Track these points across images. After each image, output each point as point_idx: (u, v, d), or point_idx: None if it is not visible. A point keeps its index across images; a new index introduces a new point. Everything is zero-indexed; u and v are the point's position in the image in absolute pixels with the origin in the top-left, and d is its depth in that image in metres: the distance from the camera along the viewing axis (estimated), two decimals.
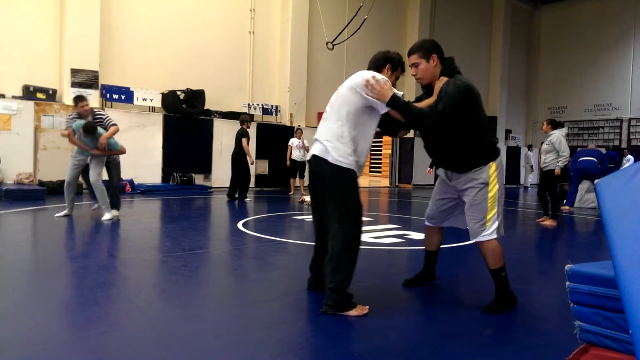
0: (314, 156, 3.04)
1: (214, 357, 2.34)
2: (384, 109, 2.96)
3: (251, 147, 13.36)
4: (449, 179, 3.27)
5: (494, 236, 3.05)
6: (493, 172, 3.05)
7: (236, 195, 10.05)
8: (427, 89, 3.20)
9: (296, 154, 11.50)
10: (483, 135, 3.07)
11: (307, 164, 3.17)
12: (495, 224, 3.05)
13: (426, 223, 3.60)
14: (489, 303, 3.12)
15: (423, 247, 3.78)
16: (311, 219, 7.34)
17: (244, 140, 9.79)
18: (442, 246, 3.80)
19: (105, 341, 2.46)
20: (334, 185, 2.97)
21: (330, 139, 2.97)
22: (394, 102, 2.89)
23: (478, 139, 3.05)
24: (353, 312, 2.91)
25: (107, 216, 6.44)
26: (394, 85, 3.16)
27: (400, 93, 2.99)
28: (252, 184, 13.50)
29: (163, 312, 2.98)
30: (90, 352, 2.33)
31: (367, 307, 2.99)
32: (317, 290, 3.35)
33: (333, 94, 3.15)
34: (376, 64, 3.17)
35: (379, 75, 2.98)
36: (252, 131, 13.42)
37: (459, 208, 3.36)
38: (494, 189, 3.04)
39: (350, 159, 2.95)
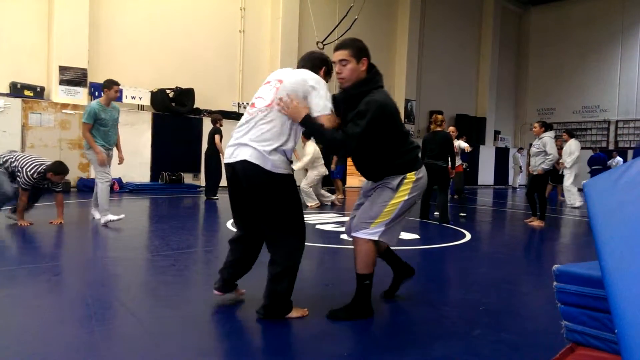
0: (244, 162, 2.68)
1: (203, 357, 2.33)
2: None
3: None
4: (368, 191, 3.10)
5: (374, 238, 2.84)
6: (408, 183, 2.87)
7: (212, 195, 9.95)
8: (346, 95, 2.94)
9: None
10: (399, 150, 2.91)
11: (229, 167, 2.81)
12: (381, 229, 2.84)
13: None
14: (340, 307, 2.91)
15: (411, 247, 3.78)
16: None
17: (217, 137, 9.71)
18: (431, 246, 3.81)
19: (93, 341, 2.43)
20: (274, 195, 2.72)
21: (264, 143, 2.69)
22: (306, 123, 2.71)
23: (393, 153, 2.90)
24: (294, 314, 2.82)
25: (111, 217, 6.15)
26: None
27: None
28: None
29: (151, 312, 2.96)
30: (77, 351, 2.30)
31: (306, 309, 2.90)
32: (223, 293, 3.12)
33: (262, 87, 2.90)
34: (313, 63, 2.93)
35: (321, 82, 2.81)
36: None
37: None
38: (400, 197, 2.85)
39: (287, 165, 2.75)
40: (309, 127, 2.74)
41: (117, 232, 5.62)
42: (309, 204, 9.07)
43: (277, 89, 2.77)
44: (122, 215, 6.11)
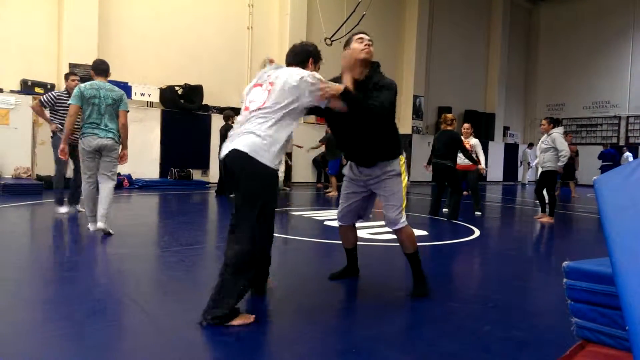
0: (237, 151, 2.67)
1: (213, 351, 2.34)
2: (324, 104, 2.88)
3: None
4: (360, 173, 3.30)
5: (406, 224, 3.25)
6: (402, 165, 3.23)
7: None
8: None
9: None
10: (395, 131, 3.25)
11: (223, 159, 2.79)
12: (404, 214, 3.25)
13: (339, 223, 3.60)
14: (414, 288, 3.30)
15: (419, 244, 3.77)
16: (309, 215, 7.35)
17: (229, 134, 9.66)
18: (439, 242, 3.81)
19: (102, 336, 2.45)
20: (257, 188, 2.70)
21: (264, 135, 2.68)
22: (348, 95, 2.88)
23: (391, 133, 3.21)
24: (237, 322, 2.63)
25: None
26: None
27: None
28: None
29: (161, 307, 2.97)
30: (87, 347, 2.32)
31: (253, 315, 2.70)
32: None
33: (255, 86, 2.88)
34: (298, 59, 3.00)
35: (316, 75, 2.82)
36: None
37: (366, 202, 3.47)
38: (405, 180, 3.23)
39: (277, 162, 2.73)
40: (349, 98, 2.89)
41: (125, 228, 5.65)
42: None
43: (269, 91, 2.76)
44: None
